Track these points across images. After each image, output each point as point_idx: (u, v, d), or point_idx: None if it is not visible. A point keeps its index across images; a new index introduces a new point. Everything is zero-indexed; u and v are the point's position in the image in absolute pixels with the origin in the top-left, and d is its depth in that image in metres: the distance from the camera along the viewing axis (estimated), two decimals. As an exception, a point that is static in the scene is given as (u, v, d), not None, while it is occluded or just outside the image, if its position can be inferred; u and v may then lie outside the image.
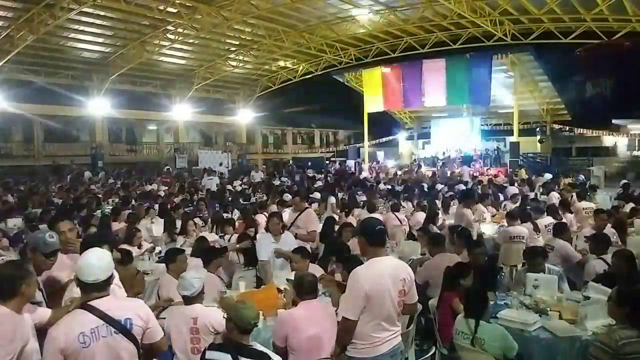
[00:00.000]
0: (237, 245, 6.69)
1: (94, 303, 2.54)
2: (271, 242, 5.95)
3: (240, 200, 12.56)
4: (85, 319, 2.50)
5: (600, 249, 5.26)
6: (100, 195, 13.40)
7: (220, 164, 25.31)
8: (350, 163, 30.47)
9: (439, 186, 14.56)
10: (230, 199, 12.55)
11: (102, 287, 2.61)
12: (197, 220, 8.21)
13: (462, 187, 14.13)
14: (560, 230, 6.24)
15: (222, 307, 3.76)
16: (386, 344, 3.11)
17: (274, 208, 9.50)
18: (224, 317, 3.36)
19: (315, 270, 5.02)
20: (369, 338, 3.06)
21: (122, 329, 2.55)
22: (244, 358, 2.92)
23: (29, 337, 2.57)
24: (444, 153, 27.28)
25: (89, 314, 2.52)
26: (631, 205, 8.64)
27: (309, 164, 29.82)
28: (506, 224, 7.59)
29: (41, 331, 2.72)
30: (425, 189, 14.11)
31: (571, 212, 8.56)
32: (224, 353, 2.95)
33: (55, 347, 2.43)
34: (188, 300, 3.70)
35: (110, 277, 2.68)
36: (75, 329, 2.47)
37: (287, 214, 7.49)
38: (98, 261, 2.62)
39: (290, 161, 31.47)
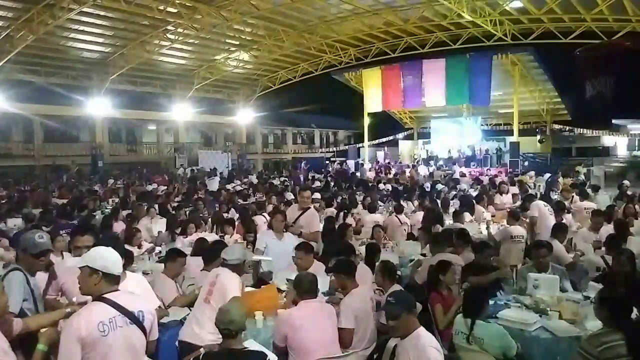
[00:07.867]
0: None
1: (108, 296, 2.66)
2: (272, 238, 5.65)
3: (239, 200, 12.50)
4: (103, 310, 2.61)
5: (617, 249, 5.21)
6: (100, 195, 13.41)
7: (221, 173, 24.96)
8: (351, 163, 30.43)
9: (439, 186, 14.55)
10: (228, 199, 12.46)
11: (119, 281, 2.77)
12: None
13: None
14: (558, 230, 6.19)
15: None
16: None
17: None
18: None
19: (319, 267, 4.99)
20: None
21: (136, 320, 2.68)
22: None
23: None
24: (437, 156, 27.29)
25: (106, 305, 2.63)
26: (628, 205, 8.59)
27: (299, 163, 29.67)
28: (506, 224, 7.59)
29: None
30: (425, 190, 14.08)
31: (569, 212, 8.54)
32: None
33: (74, 336, 2.51)
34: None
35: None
36: (95, 318, 2.56)
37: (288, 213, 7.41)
38: (117, 254, 2.80)
39: (290, 165, 31.41)
